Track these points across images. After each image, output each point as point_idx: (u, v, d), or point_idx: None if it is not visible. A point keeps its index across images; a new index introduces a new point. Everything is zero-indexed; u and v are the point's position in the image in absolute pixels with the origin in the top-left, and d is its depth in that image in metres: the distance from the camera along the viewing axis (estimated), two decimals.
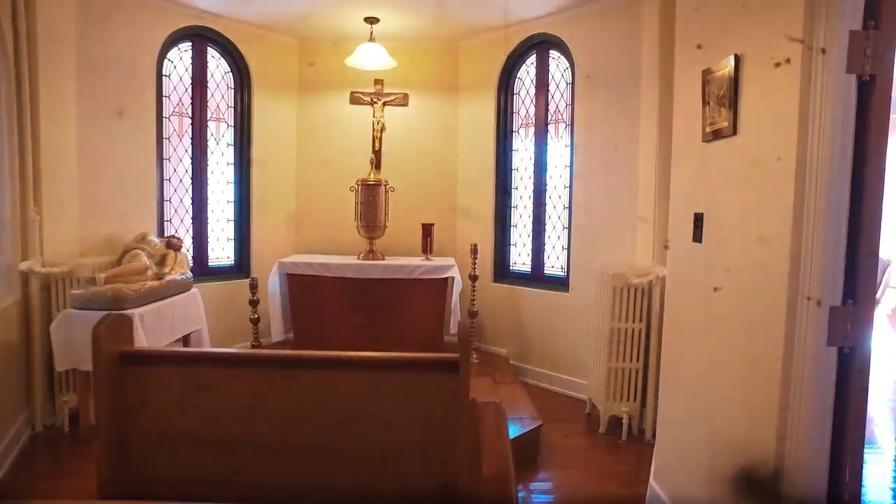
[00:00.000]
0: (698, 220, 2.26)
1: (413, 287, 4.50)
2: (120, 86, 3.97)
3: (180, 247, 4.10)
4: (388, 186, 4.77)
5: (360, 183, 4.68)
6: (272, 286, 4.55)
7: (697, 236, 2.26)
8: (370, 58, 4.51)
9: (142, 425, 1.93)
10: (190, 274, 4.09)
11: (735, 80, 1.95)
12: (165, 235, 4.33)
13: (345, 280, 4.52)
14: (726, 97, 1.99)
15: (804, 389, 1.69)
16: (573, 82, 4.28)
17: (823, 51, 1.61)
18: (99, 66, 3.82)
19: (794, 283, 1.70)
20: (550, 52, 4.55)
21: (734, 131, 1.98)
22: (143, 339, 3.25)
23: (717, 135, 2.11)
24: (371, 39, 4.50)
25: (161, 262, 3.94)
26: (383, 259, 4.72)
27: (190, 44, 4.53)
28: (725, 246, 2.10)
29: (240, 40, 4.77)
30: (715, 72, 2.09)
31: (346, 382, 2.13)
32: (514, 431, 3.26)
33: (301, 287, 4.55)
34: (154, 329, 3.46)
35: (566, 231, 4.47)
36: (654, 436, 3.03)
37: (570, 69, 4.35)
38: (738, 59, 1.95)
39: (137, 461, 1.84)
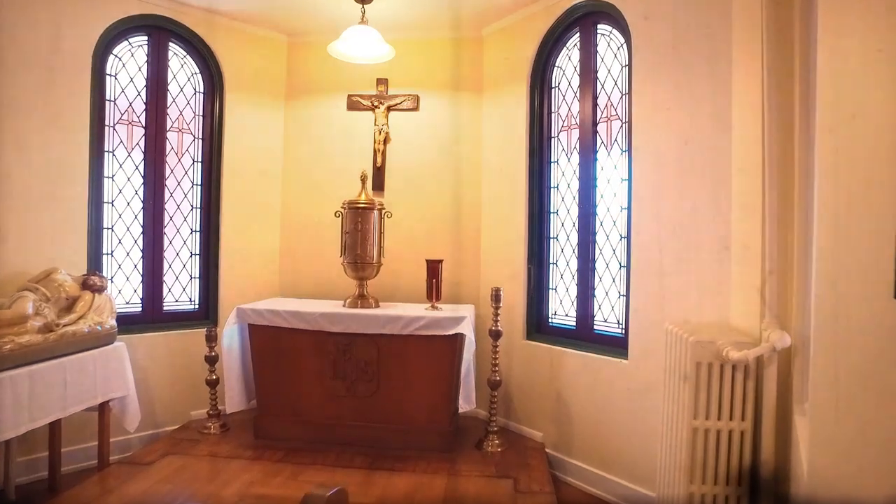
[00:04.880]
0: None
1: (412, 345, 3.30)
2: (34, 84, 3.13)
3: (101, 288, 3.14)
4: (384, 210, 3.66)
5: (346, 206, 3.58)
6: (228, 340, 3.48)
7: None
8: (360, 45, 3.48)
9: None
10: (112, 323, 3.11)
11: None
12: (98, 273, 3.41)
13: (323, 334, 3.38)
14: None
15: None
16: (630, 63, 3.04)
17: None
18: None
19: None
20: (598, 26, 3.35)
21: None
22: None
23: None
24: (363, 23, 3.48)
25: (69, 307, 2.99)
26: (376, 306, 3.56)
27: (145, 37, 3.68)
28: None
29: (211, 35, 3.88)
30: None
31: None
32: None
33: (267, 341, 3.44)
34: (17, 403, 2.45)
35: (624, 270, 3.16)
36: None
37: (625, 46, 3.12)
38: None
39: None
